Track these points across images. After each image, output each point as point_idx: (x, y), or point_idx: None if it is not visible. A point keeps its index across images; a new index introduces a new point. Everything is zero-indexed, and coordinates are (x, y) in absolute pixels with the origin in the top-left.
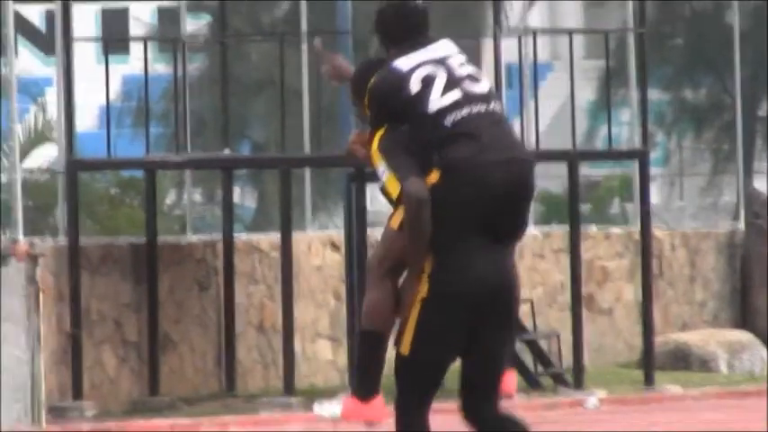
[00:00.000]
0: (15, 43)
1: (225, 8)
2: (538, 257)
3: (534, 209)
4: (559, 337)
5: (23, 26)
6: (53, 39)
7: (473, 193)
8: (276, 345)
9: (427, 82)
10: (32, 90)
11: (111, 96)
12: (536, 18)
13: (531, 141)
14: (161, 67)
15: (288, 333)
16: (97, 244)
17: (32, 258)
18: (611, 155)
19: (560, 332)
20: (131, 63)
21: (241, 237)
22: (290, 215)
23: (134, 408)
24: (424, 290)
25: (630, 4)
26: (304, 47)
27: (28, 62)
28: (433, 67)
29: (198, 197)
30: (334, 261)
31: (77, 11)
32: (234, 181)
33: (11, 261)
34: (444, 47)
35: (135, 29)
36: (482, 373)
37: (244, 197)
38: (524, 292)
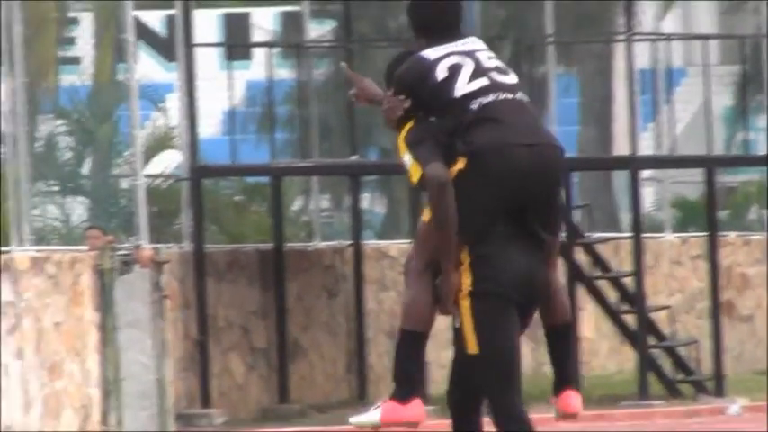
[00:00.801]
0: (136, 49)
1: (350, 13)
2: (675, 264)
3: (671, 215)
4: (698, 344)
5: (144, 32)
6: (174, 44)
7: (500, 176)
8: None
9: (454, 70)
10: (153, 96)
11: (234, 102)
12: (669, 24)
13: (666, 147)
14: (284, 73)
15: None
16: (223, 250)
17: (157, 265)
18: (747, 161)
19: (699, 339)
20: (252, 68)
21: (370, 243)
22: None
23: (263, 415)
24: (467, 283)
25: (765, 9)
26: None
27: (149, 68)
28: (461, 58)
29: (325, 203)
30: None
31: (198, 16)
32: (362, 187)
33: (135, 267)
34: (474, 42)
35: (256, 35)
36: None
37: (373, 203)
38: (662, 299)
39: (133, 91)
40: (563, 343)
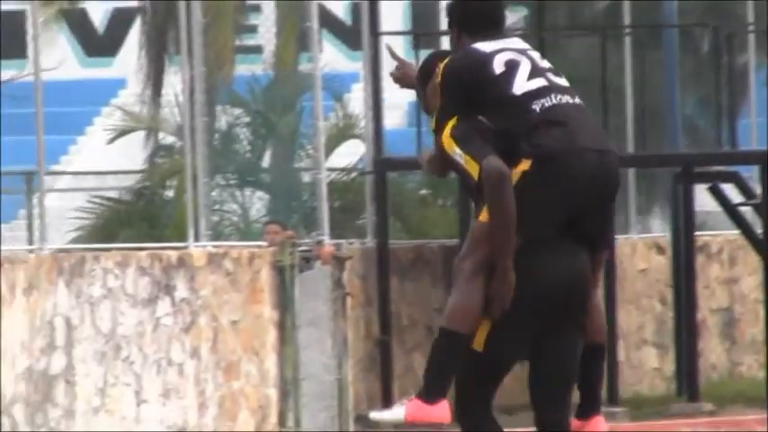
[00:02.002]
0: (320, 37)
1: (543, 1)
2: None
3: None
4: None
5: (328, 20)
6: (359, 33)
7: (568, 181)
8: None
9: (511, 66)
10: (337, 86)
11: None
12: None
13: None
14: None
15: (611, 340)
16: (407, 246)
17: (338, 261)
18: None
19: None
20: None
21: None
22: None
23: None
24: None
25: None
26: (627, 42)
27: (332, 57)
28: (516, 55)
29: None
30: (660, 264)
31: (385, 4)
32: None
33: (316, 264)
34: (521, 42)
35: (444, 22)
36: (546, 383)
37: None
38: None
39: (317, 81)
40: (594, 364)
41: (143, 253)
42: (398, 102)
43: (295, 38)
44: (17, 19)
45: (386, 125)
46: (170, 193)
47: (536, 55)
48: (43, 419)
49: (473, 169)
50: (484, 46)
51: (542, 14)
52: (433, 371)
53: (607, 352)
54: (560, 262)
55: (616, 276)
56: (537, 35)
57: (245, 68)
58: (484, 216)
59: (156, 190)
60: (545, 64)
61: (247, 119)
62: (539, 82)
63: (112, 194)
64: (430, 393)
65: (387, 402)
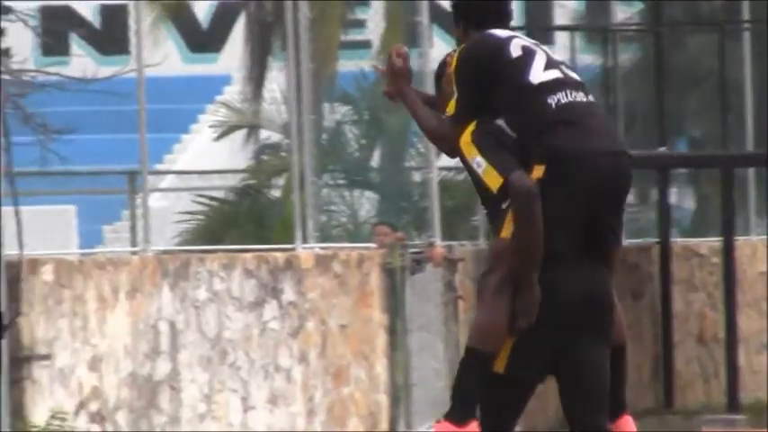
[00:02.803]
0: (430, 33)
1: None
2: None
3: None
4: None
5: (438, 15)
6: None
7: (584, 186)
8: (718, 356)
9: (528, 52)
10: None
11: None
12: None
13: None
14: (588, 58)
15: (731, 344)
16: None
17: (450, 263)
18: None
19: None
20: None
21: (678, 241)
22: (733, 218)
23: (561, 425)
24: None
25: None
26: (747, 37)
27: (443, 53)
28: (530, 44)
29: (630, 198)
30: None
31: None
32: (671, 181)
33: (427, 266)
34: (529, 38)
35: (560, 17)
36: (577, 393)
37: (681, 198)
38: None
39: (427, 77)
40: (617, 365)
41: (249, 255)
42: None
43: (404, 33)
44: (119, 14)
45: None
46: (276, 193)
47: (547, 48)
48: (147, 426)
49: (492, 181)
50: (500, 32)
51: (659, 10)
52: (460, 391)
53: (727, 357)
54: (581, 276)
55: (736, 279)
56: (654, 31)
57: (352, 64)
58: (506, 232)
59: (262, 189)
60: (558, 57)
61: (355, 116)
62: (554, 73)
63: (217, 194)
64: (459, 415)
65: None
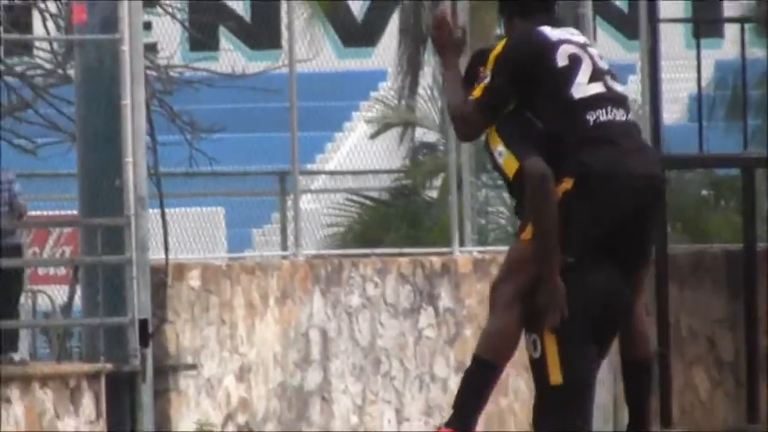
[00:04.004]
0: (594, 25)
1: None
2: None
3: None
4: None
5: (603, 7)
6: (636, 21)
7: (612, 205)
8: None
9: (574, 61)
10: None
11: (702, 84)
12: None
13: None
14: (759, 52)
15: None
16: (687, 252)
17: None
18: None
19: None
20: (724, 47)
21: None
22: None
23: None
24: None
25: None
26: None
27: (607, 46)
28: (578, 49)
29: None
30: None
31: None
32: None
33: None
34: (578, 33)
35: (728, 9)
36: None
37: None
38: None
39: None
40: (642, 381)
41: (404, 259)
42: (678, 95)
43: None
44: (272, 7)
45: (665, 120)
46: (433, 194)
47: (595, 52)
48: None
49: (509, 167)
50: (550, 32)
51: None
52: (463, 400)
53: None
54: (603, 279)
55: None
56: None
57: None
58: (527, 234)
59: (418, 190)
60: (604, 65)
61: None
62: (597, 87)
63: (372, 195)
64: (459, 424)
65: (665, 420)
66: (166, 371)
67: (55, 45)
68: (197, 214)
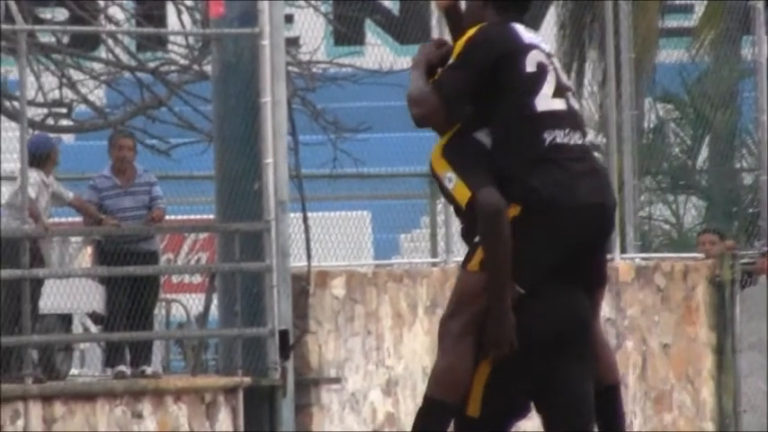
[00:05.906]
0: (765, 18)
1: None
2: None
3: None
4: None
5: None
6: None
7: (561, 234)
8: None
9: (541, 70)
10: None
11: None
12: None
13: None
14: None
15: None
16: None
17: None
18: None
19: None
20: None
21: None
22: None
23: None
24: None
25: None
26: None
27: None
28: (546, 59)
29: None
30: None
31: None
32: None
33: (760, 279)
34: (543, 40)
35: None
36: (558, 410)
37: None
38: None
39: (761, 67)
40: (611, 406)
41: None
42: None
43: (728, 19)
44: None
45: None
46: None
47: (558, 64)
48: None
49: (461, 194)
50: (523, 32)
51: None
52: None
53: None
54: (557, 303)
55: None
56: None
57: (672, 55)
58: (474, 264)
59: None
60: (566, 80)
61: (677, 113)
62: (559, 104)
63: None
64: None
65: None
66: (308, 385)
67: (190, 39)
68: (341, 219)
